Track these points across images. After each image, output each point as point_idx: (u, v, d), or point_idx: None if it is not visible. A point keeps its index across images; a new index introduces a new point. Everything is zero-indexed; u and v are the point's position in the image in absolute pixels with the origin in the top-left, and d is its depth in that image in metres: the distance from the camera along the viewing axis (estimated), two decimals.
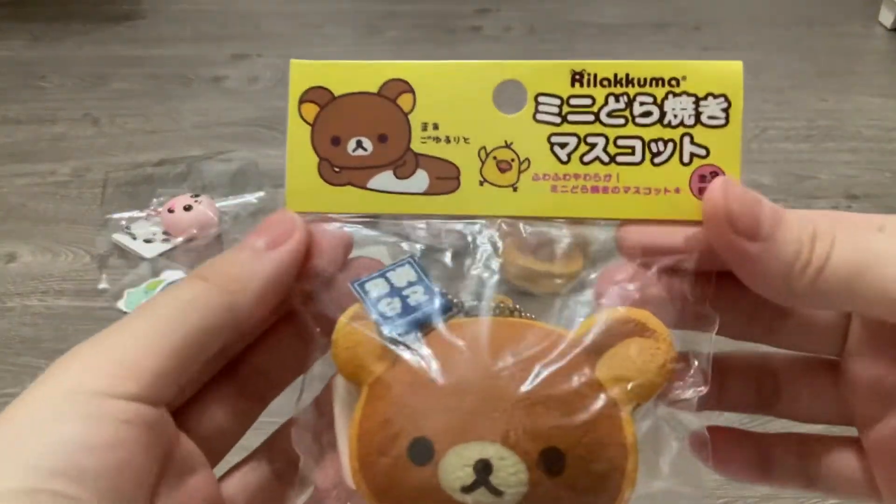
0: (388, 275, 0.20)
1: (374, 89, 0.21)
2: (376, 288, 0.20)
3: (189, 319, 0.19)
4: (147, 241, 0.75)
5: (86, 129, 0.98)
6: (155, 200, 0.79)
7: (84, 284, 0.72)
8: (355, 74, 0.21)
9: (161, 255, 0.74)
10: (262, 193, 0.81)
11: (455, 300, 0.20)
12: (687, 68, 0.20)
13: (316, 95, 0.21)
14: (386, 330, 0.19)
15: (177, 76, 1.10)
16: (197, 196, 0.77)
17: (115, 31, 1.26)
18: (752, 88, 1.02)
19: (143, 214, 0.78)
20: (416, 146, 0.21)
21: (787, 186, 0.84)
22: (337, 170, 0.22)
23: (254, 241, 0.21)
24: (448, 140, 0.21)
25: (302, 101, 0.22)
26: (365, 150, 0.21)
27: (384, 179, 0.21)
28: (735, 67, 0.20)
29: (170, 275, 0.72)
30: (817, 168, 0.87)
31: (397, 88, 0.21)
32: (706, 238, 0.20)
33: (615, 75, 0.21)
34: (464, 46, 1.17)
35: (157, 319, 0.19)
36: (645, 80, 0.21)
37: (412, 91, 0.21)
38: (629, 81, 0.21)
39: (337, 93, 0.21)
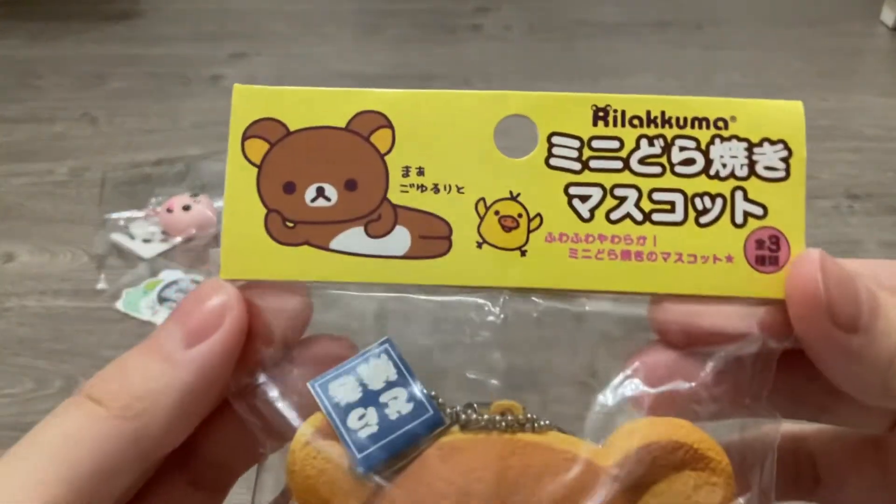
0: (360, 369, 0.16)
1: (342, 123, 0.17)
2: (344, 391, 0.16)
3: (76, 459, 0.14)
4: (145, 240, 0.75)
5: (84, 128, 0.98)
6: (153, 200, 0.79)
7: (82, 284, 0.72)
8: (317, 104, 0.17)
9: (160, 255, 0.74)
10: None
11: (448, 408, 0.16)
12: (736, 107, 0.17)
13: (265, 130, 0.17)
14: (359, 463, 0.15)
15: (175, 75, 1.10)
16: (196, 195, 0.77)
17: (114, 30, 1.25)
18: (754, 88, 1.02)
19: (141, 214, 0.78)
20: (395, 196, 0.17)
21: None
22: (290, 225, 0.17)
23: (167, 337, 0.16)
24: (436, 189, 0.17)
25: (247, 136, 0.17)
26: (328, 199, 0.17)
27: (352, 238, 0.17)
28: (795, 108, 0.17)
29: (168, 274, 0.71)
30: (818, 167, 0.87)
31: (371, 123, 0.17)
32: (776, 323, 0.16)
33: (648, 113, 0.17)
34: (464, 45, 1.16)
35: (36, 462, 0.14)
36: (685, 119, 0.17)
37: (390, 126, 0.17)
38: (665, 121, 0.17)
39: (293, 127, 0.17)
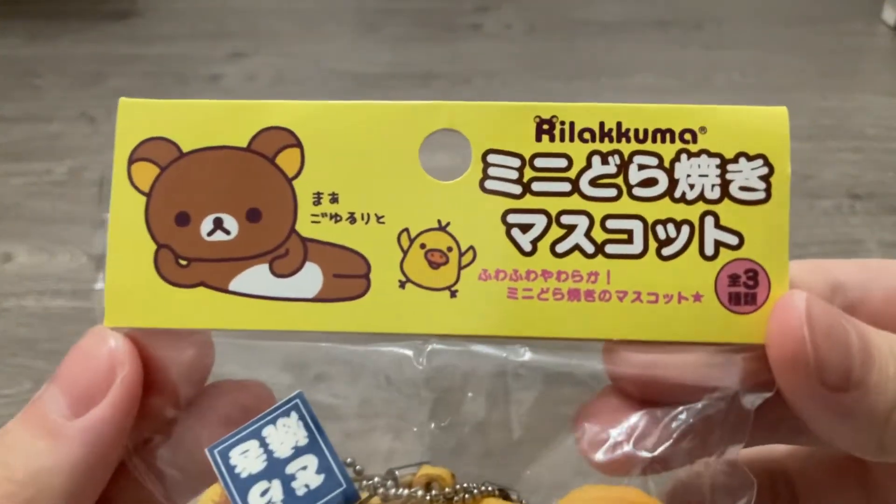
0: (265, 432, 0.14)
1: (243, 143, 0.15)
2: (246, 460, 0.14)
3: None
4: None
5: (82, 127, 0.97)
6: None
7: (81, 285, 0.71)
8: (214, 120, 0.15)
9: None
10: None
11: (366, 480, 0.14)
12: (706, 115, 0.14)
13: (155, 151, 0.15)
14: None
15: (174, 74, 1.09)
16: None
17: (112, 29, 1.25)
18: (755, 87, 1.01)
19: None
20: (305, 228, 0.15)
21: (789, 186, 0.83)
22: (184, 262, 0.15)
23: (51, 406, 0.14)
24: (353, 219, 0.15)
25: (133, 159, 0.15)
26: (227, 232, 0.15)
27: (255, 278, 0.15)
28: (777, 116, 0.15)
29: None
30: (820, 167, 0.87)
31: (277, 141, 0.15)
32: (753, 373, 0.14)
33: (601, 125, 0.14)
34: (464, 44, 1.16)
35: None
36: (645, 132, 0.14)
37: (299, 145, 0.15)
38: (622, 134, 0.14)
39: (186, 147, 0.15)
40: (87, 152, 0.92)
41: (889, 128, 0.94)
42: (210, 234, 0.15)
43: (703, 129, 0.14)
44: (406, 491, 0.14)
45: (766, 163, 0.14)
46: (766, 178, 0.14)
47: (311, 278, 0.15)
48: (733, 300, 0.14)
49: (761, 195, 0.14)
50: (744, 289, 0.14)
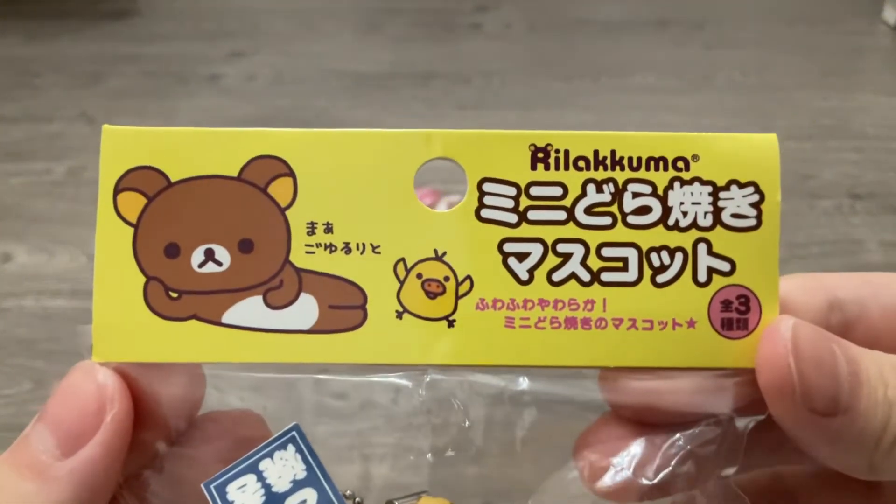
0: (262, 466, 0.14)
1: (234, 172, 0.15)
2: (244, 496, 0.13)
3: None
4: None
5: (81, 127, 0.97)
6: None
7: (80, 285, 0.71)
8: (202, 148, 0.15)
9: None
10: None
11: None
12: (699, 143, 0.14)
13: (141, 181, 0.14)
14: None
15: (173, 74, 1.09)
16: None
17: (111, 28, 1.25)
18: (755, 87, 1.01)
19: None
20: (299, 259, 0.15)
21: (789, 185, 0.83)
22: (175, 295, 0.15)
23: (39, 446, 0.13)
24: (348, 249, 0.15)
25: (119, 189, 0.15)
26: (219, 264, 0.15)
27: (249, 310, 0.15)
28: (768, 143, 0.15)
29: None
30: (820, 167, 0.87)
31: (269, 170, 0.15)
32: (746, 397, 0.15)
33: (596, 153, 0.14)
34: (464, 43, 1.16)
35: None
36: (639, 160, 0.14)
37: (291, 174, 0.15)
38: (616, 162, 0.14)
39: (175, 176, 0.15)
40: (87, 152, 0.91)
41: (889, 128, 0.94)
42: (201, 265, 0.15)
43: (695, 157, 0.15)
44: None
45: (757, 190, 0.15)
46: (756, 206, 0.15)
47: (306, 310, 0.15)
48: (726, 325, 0.15)
49: (752, 222, 0.15)
50: (736, 314, 0.14)
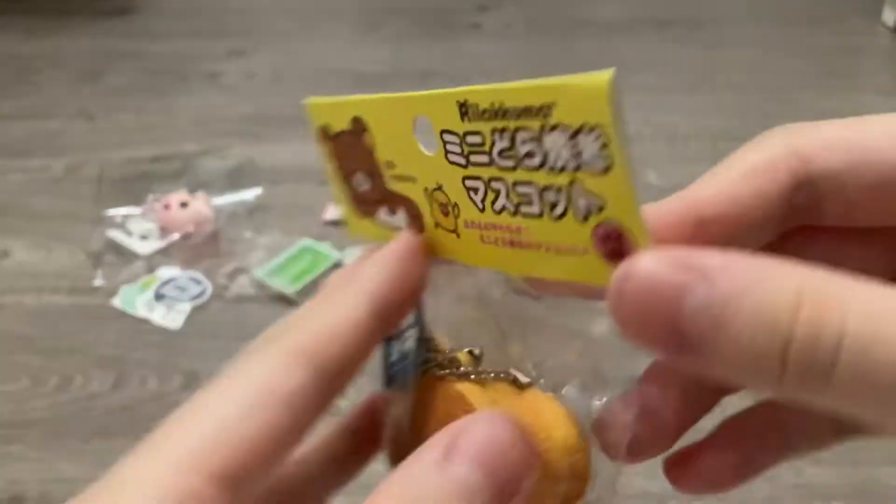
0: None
1: (350, 126, 0.20)
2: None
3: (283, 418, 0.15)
4: (143, 237, 0.75)
5: (80, 124, 0.97)
6: (150, 197, 0.78)
7: (79, 281, 0.71)
8: (335, 112, 0.20)
9: (157, 251, 0.73)
10: (258, 191, 0.80)
11: (433, 352, 0.20)
12: (555, 91, 0.15)
13: (323, 134, 0.21)
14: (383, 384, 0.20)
15: (173, 72, 1.09)
16: (193, 192, 0.77)
17: (111, 25, 1.25)
18: (755, 88, 1.01)
19: (138, 211, 0.77)
20: (390, 184, 0.20)
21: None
22: (359, 203, 0.22)
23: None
24: (404, 179, 0.19)
25: (319, 139, 0.22)
26: (366, 186, 0.21)
27: (383, 216, 0.21)
28: (598, 84, 0.14)
29: (165, 271, 0.71)
30: None
31: (359, 126, 0.20)
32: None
33: (492, 105, 0.16)
34: (463, 43, 1.16)
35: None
36: (519, 110, 0.16)
37: (368, 129, 0.20)
38: (505, 112, 0.16)
39: (331, 131, 0.21)
40: (86, 149, 0.91)
41: None
42: (360, 187, 0.21)
43: (553, 104, 0.15)
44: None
45: (602, 132, 0.15)
46: (604, 148, 0.15)
47: (402, 219, 0.20)
48: (613, 255, 0.15)
49: (606, 163, 0.15)
50: (616, 245, 0.15)
